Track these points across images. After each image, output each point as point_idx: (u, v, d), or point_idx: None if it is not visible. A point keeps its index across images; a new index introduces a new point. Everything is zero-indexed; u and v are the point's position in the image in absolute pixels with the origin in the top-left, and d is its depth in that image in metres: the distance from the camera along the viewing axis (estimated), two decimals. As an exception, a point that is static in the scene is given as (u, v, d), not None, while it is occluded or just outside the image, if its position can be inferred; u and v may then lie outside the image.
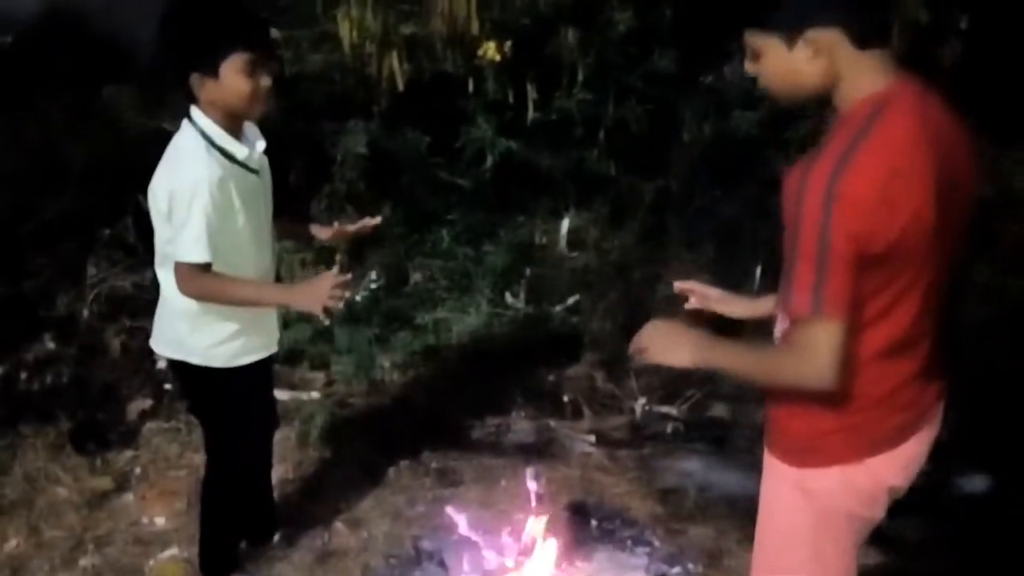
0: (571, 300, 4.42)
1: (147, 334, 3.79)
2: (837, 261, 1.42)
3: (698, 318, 2.11)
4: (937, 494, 3.05)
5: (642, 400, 3.77)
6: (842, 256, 1.42)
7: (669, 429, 3.63)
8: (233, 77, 2.12)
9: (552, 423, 3.58)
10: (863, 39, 1.49)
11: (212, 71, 2.11)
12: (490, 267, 4.52)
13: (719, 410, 3.78)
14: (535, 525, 2.56)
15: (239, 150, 2.22)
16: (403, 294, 4.25)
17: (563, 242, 4.67)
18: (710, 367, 1.70)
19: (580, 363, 3.97)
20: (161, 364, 3.62)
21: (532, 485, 2.61)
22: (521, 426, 3.54)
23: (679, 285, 2.10)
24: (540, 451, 3.36)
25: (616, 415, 3.73)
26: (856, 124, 1.47)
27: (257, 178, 2.32)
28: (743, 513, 3.00)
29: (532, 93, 4.43)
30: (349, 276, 2.20)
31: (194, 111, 2.20)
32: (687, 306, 2.08)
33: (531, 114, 4.49)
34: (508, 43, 4.27)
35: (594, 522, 2.87)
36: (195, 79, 2.12)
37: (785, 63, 1.54)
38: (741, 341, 1.78)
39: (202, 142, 2.18)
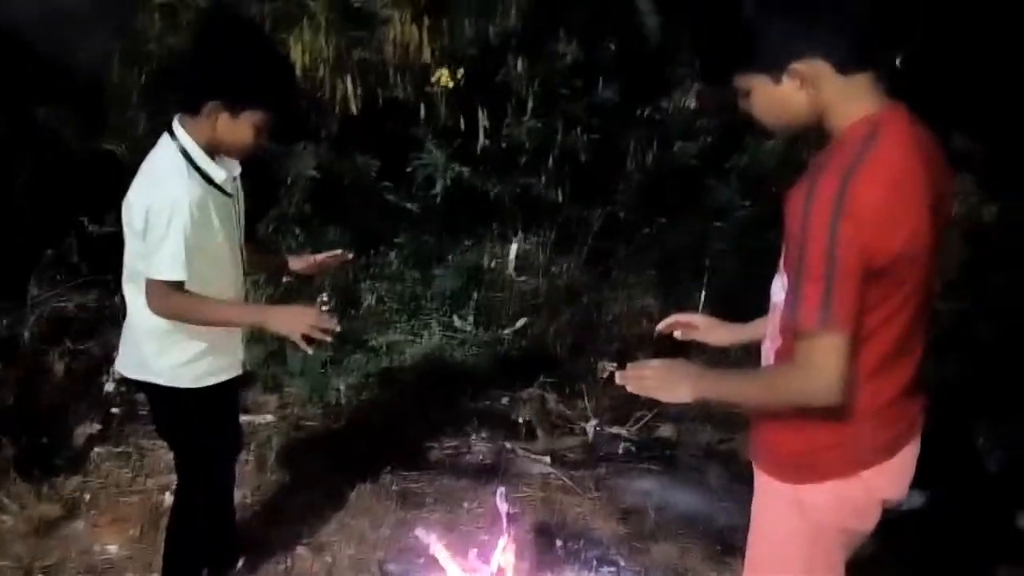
0: (520, 323, 4.48)
1: (92, 356, 3.75)
2: (844, 275, 1.47)
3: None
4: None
5: (594, 421, 3.83)
6: (849, 269, 1.47)
7: (621, 449, 3.68)
8: (247, 126, 2.14)
9: (508, 444, 3.61)
10: (845, 66, 1.55)
11: (235, 111, 2.12)
12: (439, 290, 4.55)
13: (666, 430, 3.86)
14: (503, 546, 2.57)
15: (217, 173, 2.21)
16: (355, 317, 4.24)
17: (511, 266, 4.72)
18: (709, 399, 1.72)
19: (532, 385, 4.01)
20: (109, 387, 3.54)
21: (502, 505, 2.62)
22: (479, 448, 3.56)
23: (662, 327, 2.11)
24: (499, 472, 3.38)
25: (569, 436, 3.77)
26: (854, 145, 1.52)
27: (231, 201, 2.31)
28: (703, 532, 3.08)
29: (483, 120, 4.48)
30: (335, 319, 2.21)
31: (178, 127, 2.17)
32: (676, 336, 2.09)
33: (482, 141, 4.55)
34: (461, 70, 4.32)
35: (559, 542, 2.89)
36: (214, 105, 2.11)
37: (773, 97, 1.60)
38: (734, 369, 1.80)
39: (182, 161, 2.16)
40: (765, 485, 1.78)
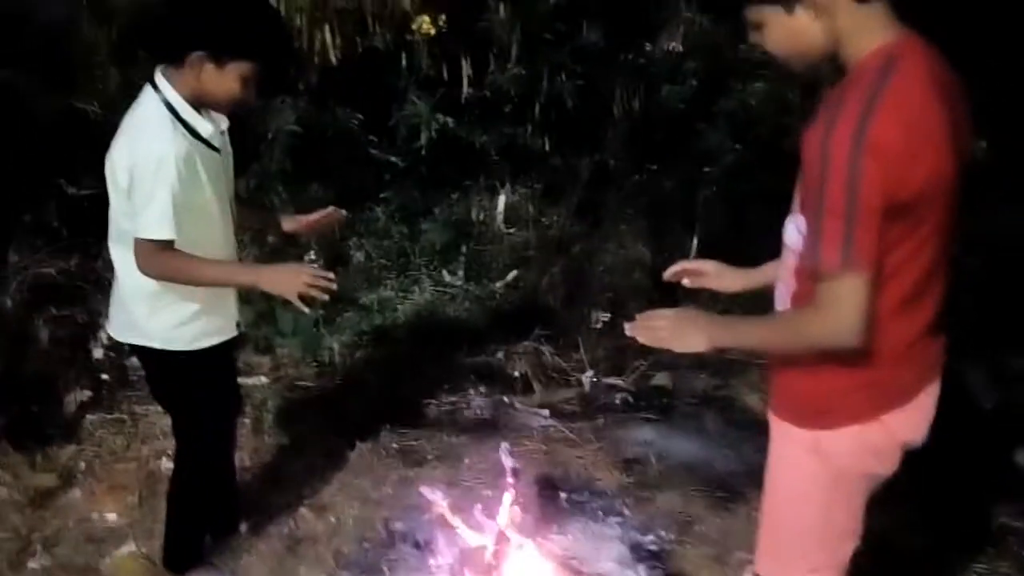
0: (511, 276, 4.43)
1: (77, 323, 3.67)
2: (866, 213, 1.43)
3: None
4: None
5: (590, 372, 3.81)
6: (871, 207, 1.43)
7: (618, 400, 3.67)
8: (233, 78, 2.05)
9: (506, 399, 3.59)
10: None
11: (220, 62, 2.03)
12: (429, 245, 4.49)
13: (662, 379, 3.85)
14: (509, 500, 2.55)
15: (203, 126, 2.13)
16: (344, 274, 4.17)
17: (500, 219, 4.66)
18: (726, 347, 1.68)
19: (526, 338, 3.98)
20: (98, 353, 3.47)
21: (507, 460, 2.60)
22: (477, 403, 3.53)
23: (669, 273, 2.05)
24: (499, 426, 3.36)
25: (565, 388, 3.76)
26: (871, 77, 1.48)
27: (219, 156, 2.23)
28: (704, 480, 3.08)
29: (467, 68, 4.38)
30: (332, 274, 2.15)
31: (160, 80, 2.08)
32: (685, 283, 2.04)
33: (466, 90, 4.45)
34: (443, 17, 4.21)
35: (563, 494, 2.88)
36: (199, 56, 2.02)
37: (788, 29, 1.56)
38: (749, 316, 1.76)
39: (166, 114, 2.08)
40: (783, 433, 1.73)
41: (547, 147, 4.67)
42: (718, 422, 3.53)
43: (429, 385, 3.58)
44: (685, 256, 4.48)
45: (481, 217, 4.68)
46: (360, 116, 4.53)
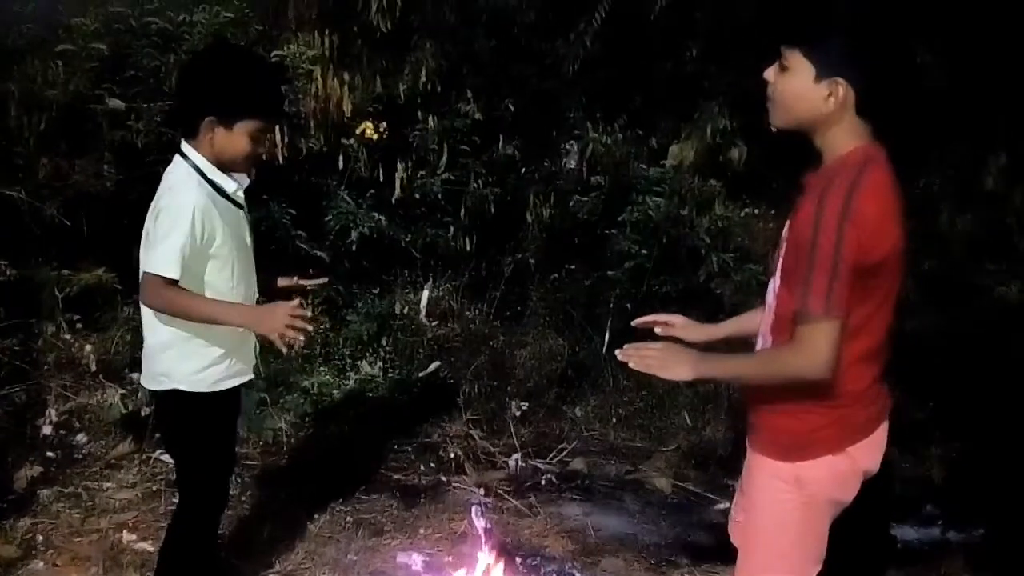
0: (433, 366, 4.69)
1: (13, 402, 3.66)
2: (846, 271, 1.80)
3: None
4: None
5: (518, 455, 4.09)
6: (849, 266, 1.80)
7: (543, 480, 3.95)
8: (242, 136, 2.31)
9: (443, 477, 3.81)
10: (864, 107, 1.90)
11: (228, 124, 2.29)
12: (355, 336, 4.69)
13: (578, 464, 4.17)
14: (485, 558, 2.77)
15: (227, 184, 2.37)
16: (283, 360, 4.31)
17: (424, 312, 4.94)
18: (707, 377, 2.01)
19: (457, 422, 4.24)
20: (47, 430, 3.48)
21: (479, 520, 2.82)
22: (419, 481, 3.74)
23: (640, 321, 2.34)
24: (444, 502, 3.57)
25: (494, 469, 4.01)
26: (854, 166, 1.88)
27: (242, 212, 2.46)
28: (639, 547, 3.40)
29: (401, 172, 4.72)
30: (308, 311, 2.34)
31: (186, 146, 2.34)
32: (656, 331, 2.28)
33: (397, 192, 4.78)
34: (384, 124, 4.56)
35: (519, 559, 3.11)
36: (210, 122, 2.28)
37: (804, 89, 1.91)
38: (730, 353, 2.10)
39: (194, 174, 2.32)
40: (765, 467, 2.05)
41: (469, 247, 5.02)
42: (636, 502, 3.87)
43: (373, 464, 3.77)
44: (597, 350, 4.91)
45: (405, 310, 4.94)
46: (293, 211, 4.76)
